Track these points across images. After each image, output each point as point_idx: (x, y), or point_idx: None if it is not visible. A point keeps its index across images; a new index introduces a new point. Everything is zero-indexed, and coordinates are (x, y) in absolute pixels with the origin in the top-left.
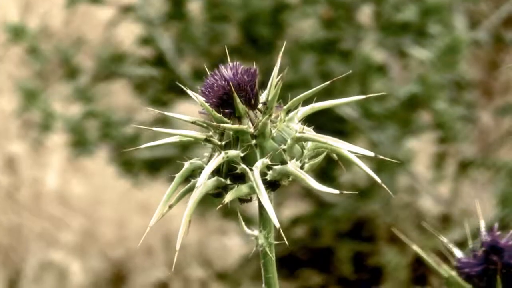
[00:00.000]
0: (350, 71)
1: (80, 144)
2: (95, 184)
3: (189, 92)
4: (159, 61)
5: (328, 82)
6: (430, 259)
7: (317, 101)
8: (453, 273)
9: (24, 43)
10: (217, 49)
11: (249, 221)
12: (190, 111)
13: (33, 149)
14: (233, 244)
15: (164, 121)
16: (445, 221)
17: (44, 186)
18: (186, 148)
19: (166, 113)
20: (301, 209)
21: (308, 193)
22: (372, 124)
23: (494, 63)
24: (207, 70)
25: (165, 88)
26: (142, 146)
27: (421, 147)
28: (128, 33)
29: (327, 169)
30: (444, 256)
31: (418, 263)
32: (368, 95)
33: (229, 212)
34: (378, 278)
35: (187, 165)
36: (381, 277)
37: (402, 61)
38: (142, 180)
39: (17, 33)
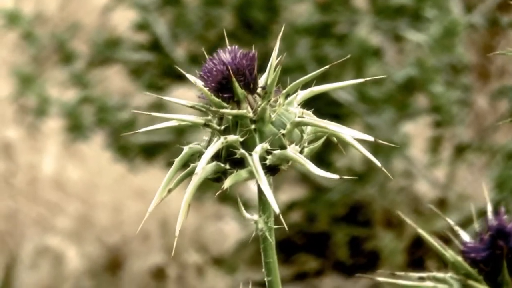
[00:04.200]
0: (349, 55)
1: (76, 128)
2: (91, 169)
3: (188, 76)
4: (155, 46)
5: (327, 66)
6: (436, 243)
7: (313, 85)
8: (459, 258)
9: (19, 28)
10: (213, 34)
11: (245, 205)
12: (186, 96)
13: (29, 135)
14: (230, 229)
15: (160, 107)
16: (441, 205)
17: (40, 171)
18: (182, 133)
19: (165, 97)
20: (297, 194)
21: (304, 178)
22: (368, 108)
23: (490, 46)
24: (205, 54)
25: (160, 73)
26: (141, 131)
27: (417, 131)
28: (123, 19)
29: (324, 154)
30: (443, 239)
31: (414, 247)
32: (367, 78)
33: (225, 197)
34: (374, 263)
35: (186, 149)
36: (378, 261)
37: (397, 45)
38: (138, 165)
39: (11, 18)
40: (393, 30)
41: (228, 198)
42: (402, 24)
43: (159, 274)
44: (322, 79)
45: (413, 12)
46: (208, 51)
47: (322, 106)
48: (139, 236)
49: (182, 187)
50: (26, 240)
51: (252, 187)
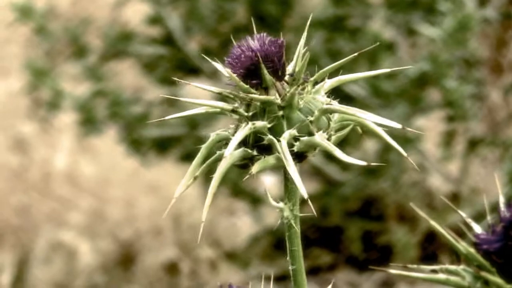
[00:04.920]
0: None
1: (89, 122)
2: (104, 164)
3: (215, 64)
4: (167, 40)
5: (355, 54)
6: (449, 235)
7: (338, 74)
8: (472, 250)
9: (31, 22)
10: (225, 28)
11: (258, 201)
12: (198, 91)
13: (42, 130)
14: (242, 224)
15: (172, 101)
16: (454, 200)
17: (53, 166)
18: (194, 127)
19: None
20: (310, 188)
21: (317, 172)
22: (381, 102)
23: (503, 40)
24: (217, 48)
25: (173, 67)
26: (168, 117)
27: (430, 126)
28: (135, 13)
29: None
30: (457, 234)
31: (427, 242)
32: (391, 69)
33: (238, 192)
34: (387, 257)
35: (213, 135)
36: (391, 255)
37: (410, 39)
38: (151, 159)
39: (24, 12)
40: (407, 24)
41: (241, 193)
42: (415, 18)
43: (172, 268)
44: (335, 72)
45: (426, 6)
46: (221, 45)
47: (334, 100)
48: (151, 231)
49: (196, 183)
50: (39, 235)
51: (266, 182)
